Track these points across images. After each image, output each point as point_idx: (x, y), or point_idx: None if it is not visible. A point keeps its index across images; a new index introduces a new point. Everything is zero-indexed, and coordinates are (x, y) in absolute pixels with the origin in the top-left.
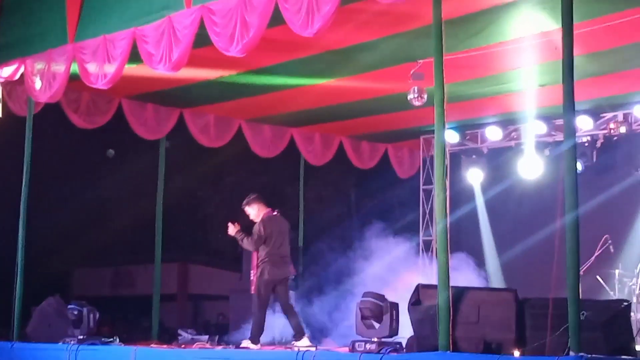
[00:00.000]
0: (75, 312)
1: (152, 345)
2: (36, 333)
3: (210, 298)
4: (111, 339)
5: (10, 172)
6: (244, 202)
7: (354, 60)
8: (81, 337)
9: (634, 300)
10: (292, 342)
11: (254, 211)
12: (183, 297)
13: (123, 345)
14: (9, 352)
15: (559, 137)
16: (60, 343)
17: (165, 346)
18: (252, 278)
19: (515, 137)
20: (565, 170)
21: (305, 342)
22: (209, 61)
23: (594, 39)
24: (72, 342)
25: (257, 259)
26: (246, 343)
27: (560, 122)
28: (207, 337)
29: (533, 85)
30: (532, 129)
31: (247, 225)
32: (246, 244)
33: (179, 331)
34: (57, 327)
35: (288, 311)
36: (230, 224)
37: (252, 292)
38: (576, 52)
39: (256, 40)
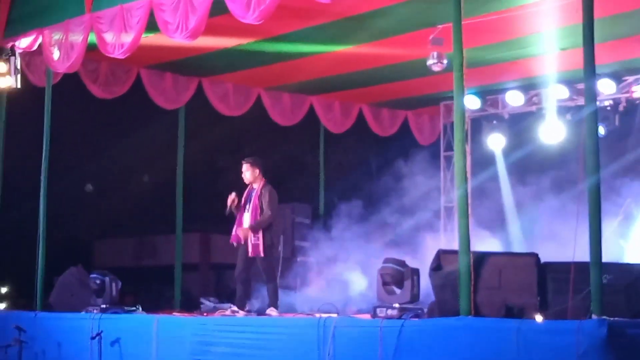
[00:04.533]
0: (98, 282)
1: (174, 313)
2: (59, 303)
3: (233, 267)
4: (134, 308)
5: (30, 143)
6: (250, 159)
7: (371, 26)
8: (104, 306)
9: None
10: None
11: (255, 174)
12: (205, 266)
13: (145, 313)
14: (32, 321)
15: (581, 101)
16: (83, 312)
17: (187, 314)
18: (255, 242)
19: (536, 102)
20: (587, 134)
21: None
22: (226, 29)
23: (615, 1)
24: (94, 311)
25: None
26: (271, 310)
27: (582, 86)
28: (229, 304)
29: (554, 49)
30: (554, 94)
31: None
32: (267, 214)
33: (201, 300)
34: (80, 297)
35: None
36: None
37: (261, 255)
38: (596, 14)
39: (272, 8)
